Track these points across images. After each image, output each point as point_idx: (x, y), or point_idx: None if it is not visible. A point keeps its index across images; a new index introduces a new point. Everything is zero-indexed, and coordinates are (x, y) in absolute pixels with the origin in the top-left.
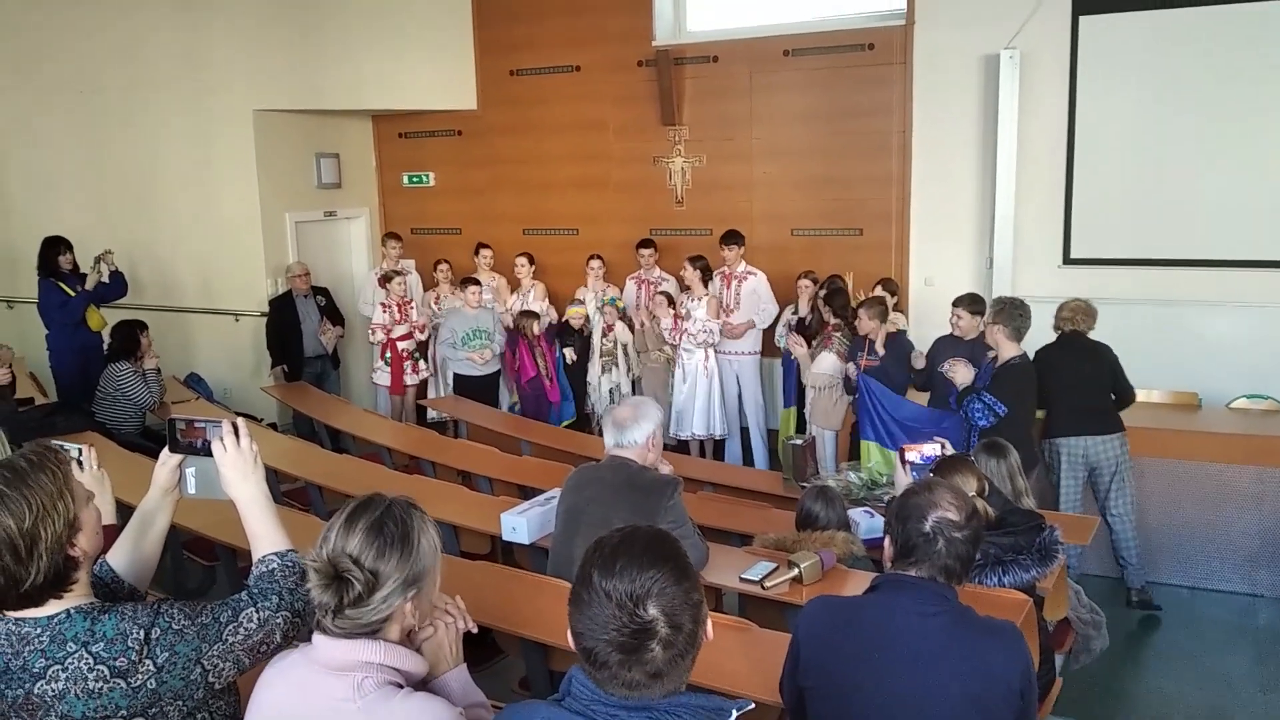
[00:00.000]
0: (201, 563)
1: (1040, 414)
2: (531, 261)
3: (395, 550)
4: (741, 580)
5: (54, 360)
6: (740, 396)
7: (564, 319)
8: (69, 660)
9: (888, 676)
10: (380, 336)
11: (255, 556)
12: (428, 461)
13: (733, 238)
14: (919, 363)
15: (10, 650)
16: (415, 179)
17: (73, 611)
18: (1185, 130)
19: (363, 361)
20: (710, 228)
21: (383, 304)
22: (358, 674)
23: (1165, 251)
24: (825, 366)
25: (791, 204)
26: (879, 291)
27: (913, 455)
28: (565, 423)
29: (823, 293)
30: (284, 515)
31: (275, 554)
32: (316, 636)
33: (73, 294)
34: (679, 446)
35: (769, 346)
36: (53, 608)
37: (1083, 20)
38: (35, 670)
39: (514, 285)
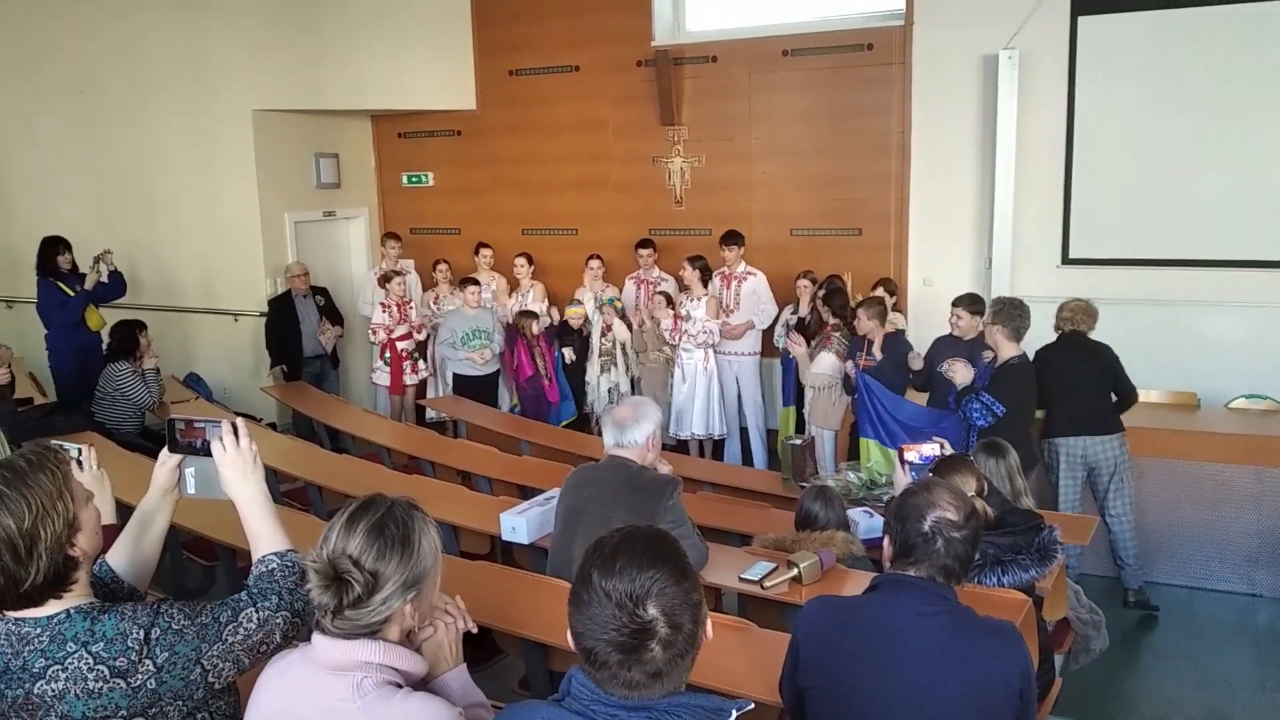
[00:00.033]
0: (201, 563)
1: (1040, 414)
2: (530, 262)
3: (396, 552)
4: (741, 580)
5: (53, 360)
6: (740, 397)
7: (563, 319)
8: (69, 660)
9: (887, 676)
10: (381, 337)
11: (255, 556)
12: (427, 461)
13: (733, 238)
14: (916, 364)
15: (10, 650)
16: (414, 179)
17: (72, 611)
18: (1184, 130)
19: (362, 361)
20: (709, 228)
21: (382, 304)
22: (357, 674)
23: (1164, 251)
24: (824, 366)
25: (791, 204)
26: (878, 292)
27: (911, 455)
28: (566, 421)
29: (822, 293)
30: (283, 515)
31: (275, 554)
32: (316, 636)
33: (72, 294)
34: (678, 446)
35: (768, 347)
36: (52, 608)
37: (1082, 20)
38: (35, 670)
39: (513, 285)
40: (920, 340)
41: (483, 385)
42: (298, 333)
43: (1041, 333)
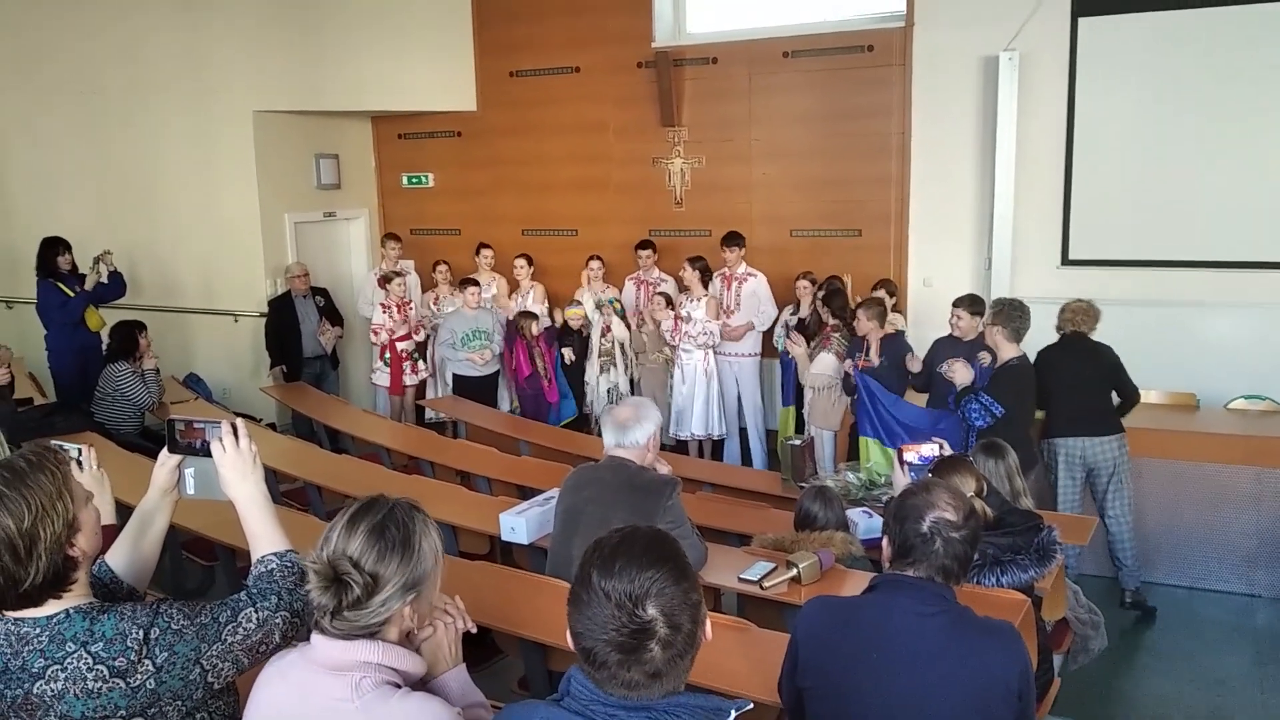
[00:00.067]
0: (200, 563)
1: (1040, 414)
2: (530, 263)
3: (396, 554)
4: (740, 580)
5: (53, 361)
6: (739, 397)
7: (564, 322)
8: (68, 660)
9: (886, 676)
10: (384, 338)
11: (254, 557)
12: (426, 462)
13: (733, 239)
14: (914, 366)
15: (9, 650)
16: (414, 180)
17: (72, 611)
18: (1184, 131)
19: (362, 362)
20: (710, 229)
21: (382, 305)
22: (356, 674)
23: (1164, 252)
24: (824, 367)
25: (791, 205)
26: (878, 293)
27: (911, 456)
28: (566, 420)
29: (821, 294)
30: (283, 515)
31: (274, 554)
32: (315, 636)
33: (72, 294)
34: (678, 447)
35: (768, 347)
36: (52, 608)
37: (1082, 21)
38: (34, 670)
39: (513, 286)
40: (920, 341)
41: (482, 386)
42: (297, 333)
43: (1041, 333)
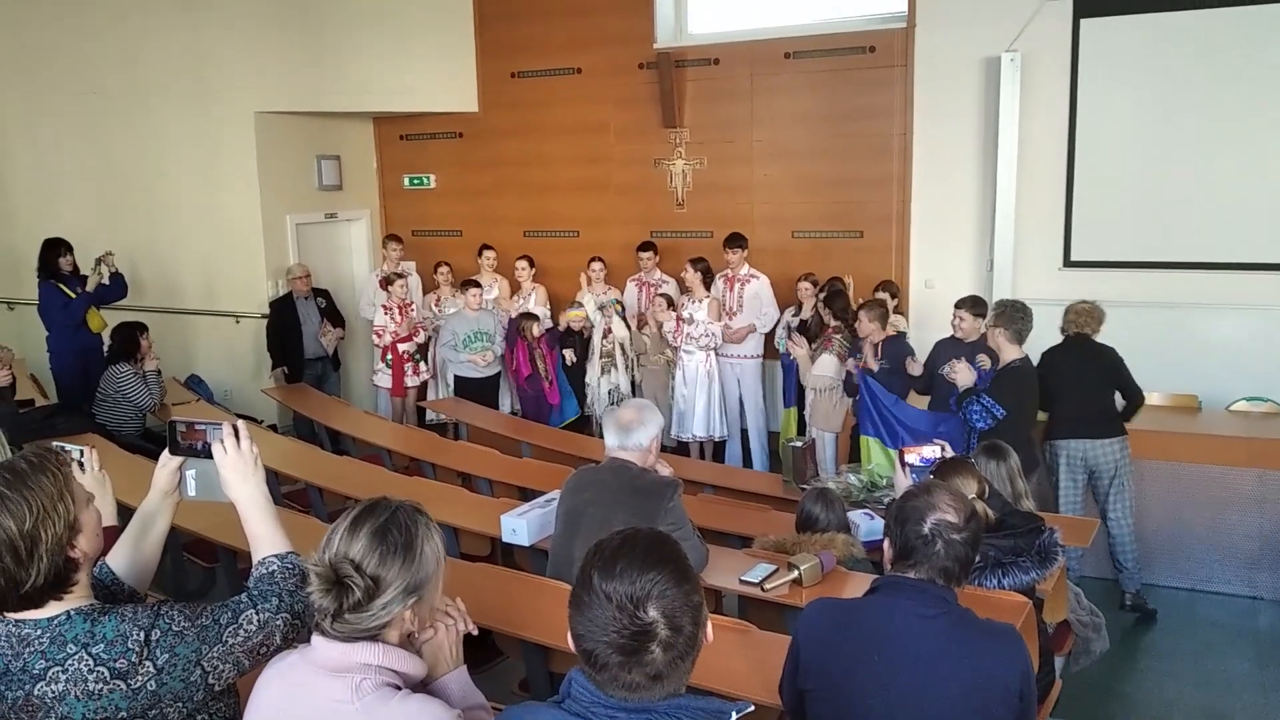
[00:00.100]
0: (202, 564)
1: (1043, 416)
2: (532, 264)
3: (398, 558)
4: (741, 582)
5: (54, 362)
6: (741, 399)
7: (565, 326)
8: (69, 662)
9: (887, 678)
10: (388, 339)
11: (255, 558)
12: (428, 463)
13: (736, 241)
14: (914, 370)
15: (10, 652)
16: (416, 181)
17: (73, 613)
18: (1186, 132)
19: (363, 363)
20: (711, 230)
21: (384, 306)
22: (356, 675)
23: (1166, 254)
24: (825, 369)
25: (792, 206)
26: (879, 294)
27: (912, 457)
28: (569, 420)
29: (823, 295)
30: (284, 517)
31: (275, 556)
32: (315, 638)
33: (73, 296)
34: (679, 448)
35: (770, 349)
36: (53, 609)
37: (1084, 23)
38: (35, 672)
39: (514, 288)
40: (921, 343)
41: (484, 387)
42: (299, 335)
43: (1043, 335)
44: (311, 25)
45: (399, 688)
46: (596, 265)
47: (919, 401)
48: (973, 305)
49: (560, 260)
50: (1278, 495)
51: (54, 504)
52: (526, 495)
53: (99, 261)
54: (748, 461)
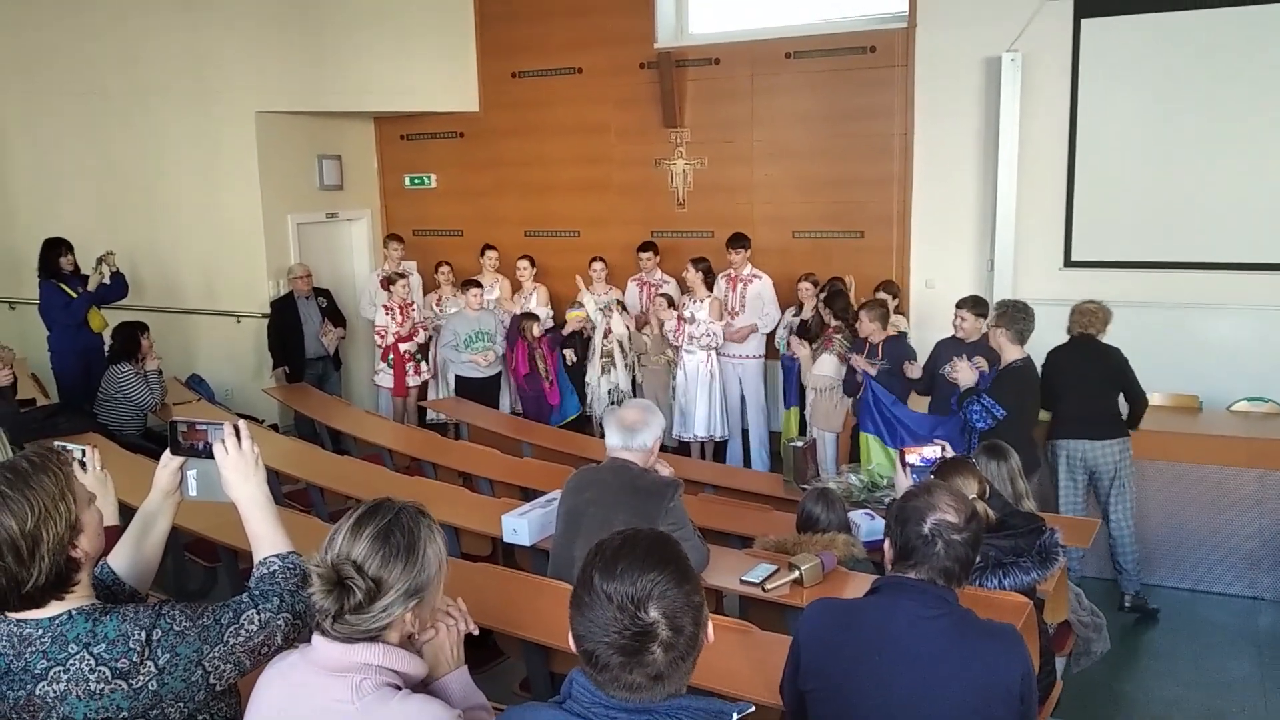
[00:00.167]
0: (203, 564)
1: (1047, 416)
2: (533, 264)
3: (400, 560)
4: (742, 582)
5: (55, 361)
6: (743, 399)
7: (567, 329)
8: (70, 661)
9: (888, 679)
10: (390, 339)
11: (256, 558)
12: (429, 463)
13: (739, 241)
14: (913, 372)
15: (12, 651)
16: (417, 181)
17: (74, 613)
18: (1187, 132)
19: (364, 363)
20: (712, 230)
21: (385, 306)
22: (356, 675)
23: (1166, 254)
24: (825, 369)
25: (793, 206)
26: (880, 294)
27: (913, 458)
28: (570, 417)
29: (823, 295)
30: (285, 517)
31: (276, 556)
32: (316, 638)
33: (74, 295)
34: (680, 448)
35: (772, 349)
36: (54, 609)
37: (1084, 23)
38: (37, 671)
39: (516, 288)
40: (922, 343)
41: (485, 387)
42: (300, 334)
43: (1042, 335)
44: (312, 25)
45: (399, 688)
46: (597, 265)
47: (919, 403)
48: (974, 305)
49: (561, 260)
50: (1278, 495)
51: (55, 504)
52: (527, 495)
53: (100, 261)
54: (748, 461)
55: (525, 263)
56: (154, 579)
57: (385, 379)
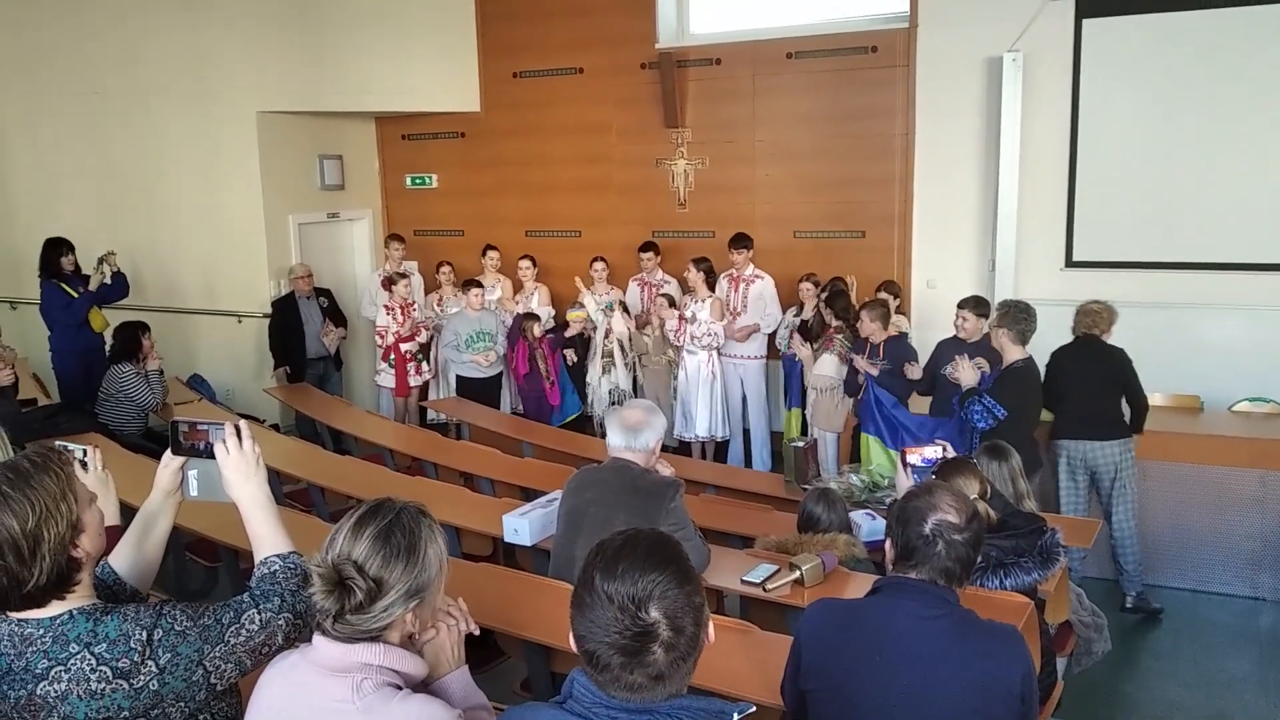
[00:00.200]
0: (204, 564)
1: (1049, 416)
2: (535, 264)
3: (400, 560)
4: (743, 582)
5: (56, 361)
6: (745, 399)
7: (568, 330)
8: (71, 661)
9: (888, 679)
10: (391, 339)
11: (257, 558)
12: (430, 463)
13: (741, 241)
14: (914, 373)
15: (13, 651)
16: (418, 181)
17: (75, 612)
18: (1188, 133)
19: (365, 363)
20: (713, 230)
21: (386, 306)
22: (357, 675)
23: (1168, 254)
24: (826, 369)
25: (794, 206)
26: (881, 295)
27: (914, 458)
28: (570, 416)
29: (824, 295)
30: (286, 517)
31: (277, 555)
32: (316, 638)
33: (75, 295)
34: (681, 448)
35: (774, 349)
36: (55, 609)
37: (1086, 23)
38: (38, 671)
39: (517, 288)
40: (923, 343)
41: (486, 387)
42: (301, 334)
43: (1043, 336)
44: (312, 25)
45: (400, 688)
46: (598, 265)
47: (921, 404)
48: (975, 305)
49: (562, 260)
50: (1279, 496)
51: (57, 503)
52: (528, 495)
53: (101, 261)
54: (750, 462)
55: (526, 263)
56: (155, 579)
57: (386, 379)
